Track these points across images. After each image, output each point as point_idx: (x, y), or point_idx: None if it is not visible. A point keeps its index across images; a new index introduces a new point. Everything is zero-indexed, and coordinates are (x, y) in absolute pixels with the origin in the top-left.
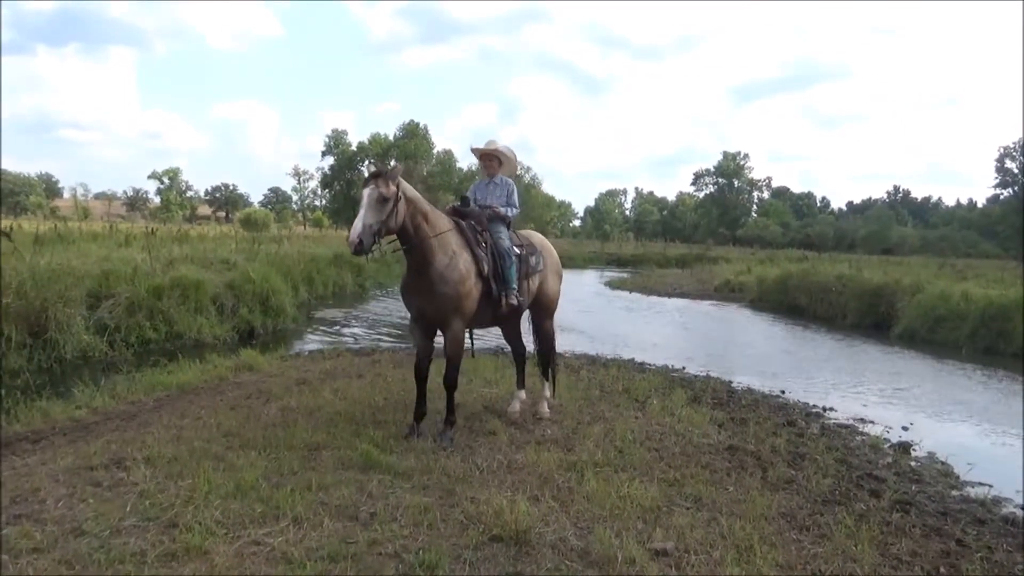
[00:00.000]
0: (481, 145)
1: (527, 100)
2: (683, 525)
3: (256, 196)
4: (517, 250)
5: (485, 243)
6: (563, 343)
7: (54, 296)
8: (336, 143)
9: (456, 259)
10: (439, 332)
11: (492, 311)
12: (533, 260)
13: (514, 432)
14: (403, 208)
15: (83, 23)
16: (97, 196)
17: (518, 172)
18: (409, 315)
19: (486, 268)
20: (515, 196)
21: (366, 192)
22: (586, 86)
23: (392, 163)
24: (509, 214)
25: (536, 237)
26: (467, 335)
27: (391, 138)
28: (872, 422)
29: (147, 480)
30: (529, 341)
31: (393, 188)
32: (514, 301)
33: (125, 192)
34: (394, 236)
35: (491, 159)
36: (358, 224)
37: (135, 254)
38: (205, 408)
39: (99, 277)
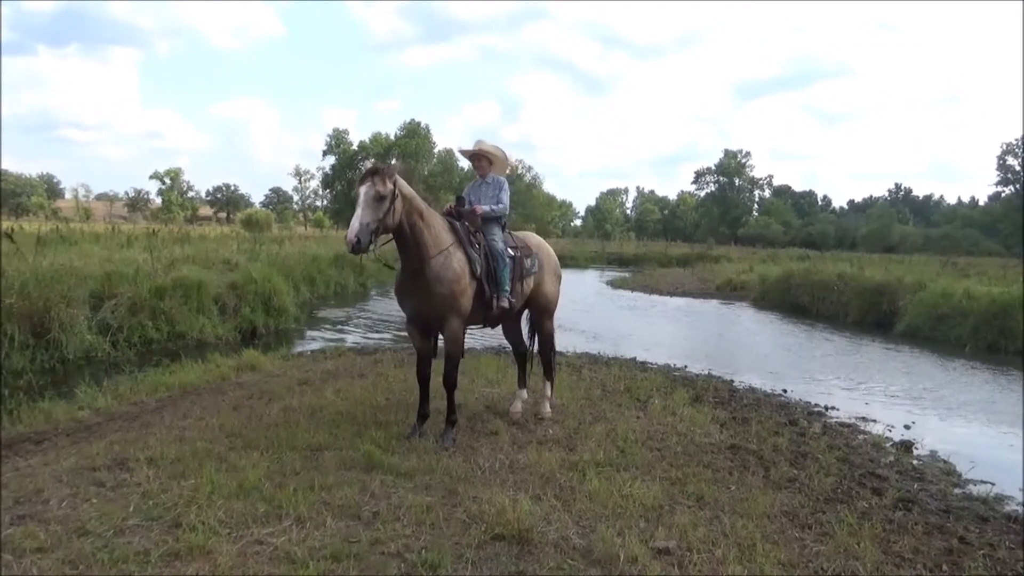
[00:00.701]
0: (469, 147)
1: (528, 99)
2: (685, 524)
3: (257, 196)
4: (511, 252)
5: (478, 244)
6: (565, 342)
7: (57, 296)
8: (337, 142)
9: (450, 258)
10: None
11: (483, 312)
12: (528, 262)
13: (516, 432)
14: (400, 206)
15: (84, 23)
16: (98, 197)
17: (518, 170)
18: (405, 316)
19: (479, 269)
20: (504, 194)
21: (362, 190)
22: (587, 84)
23: (393, 161)
24: (497, 208)
25: (533, 239)
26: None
27: (392, 137)
28: (874, 421)
29: (150, 480)
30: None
31: (390, 186)
32: (505, 304)
33: (127, 193)
34: (391, 235)
35: (479, 159)
36: (355, 223)
37: (137, 255)
38: (207, 408)
39: (101, 278)
